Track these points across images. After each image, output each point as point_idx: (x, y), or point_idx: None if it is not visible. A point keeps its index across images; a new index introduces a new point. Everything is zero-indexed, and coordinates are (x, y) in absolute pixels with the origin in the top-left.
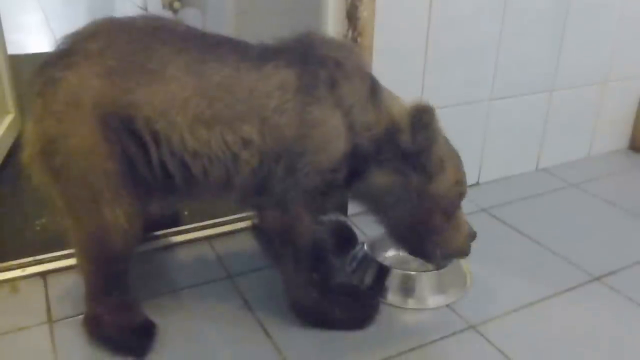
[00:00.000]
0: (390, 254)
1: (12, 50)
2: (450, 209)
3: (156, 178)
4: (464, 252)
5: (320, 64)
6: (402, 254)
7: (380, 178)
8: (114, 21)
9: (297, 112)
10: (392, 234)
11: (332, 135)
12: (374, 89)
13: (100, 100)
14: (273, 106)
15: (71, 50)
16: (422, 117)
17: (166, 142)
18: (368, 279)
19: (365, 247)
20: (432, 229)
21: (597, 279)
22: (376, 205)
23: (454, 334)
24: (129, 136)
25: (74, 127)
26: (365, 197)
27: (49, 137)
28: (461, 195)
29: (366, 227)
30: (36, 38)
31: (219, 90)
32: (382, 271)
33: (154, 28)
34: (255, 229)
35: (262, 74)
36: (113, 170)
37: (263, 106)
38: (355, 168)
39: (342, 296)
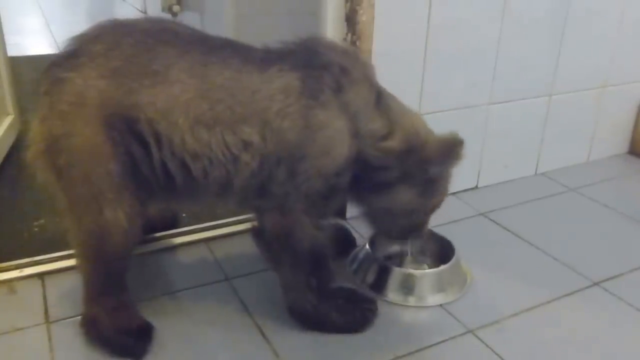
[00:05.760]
0: (392, 252)
1: (12, 52)
2: (434, 211)
3: (158, 179)
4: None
5: (326, 69)
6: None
7: (405, 196)
8: (118, 23)
9: (300, 116)
10: (381, 232)
11: (336, 139)
12: (380, 98)
13: (104, 101)
14: (276, 109)
15: (77, 52)
16: (455, 152)
17: (167, 143)
18: (370, 278)
19: (367, 246)
20: (416, 226)
21: (597, 284)
22: (383, 216)
23: (452, 338)
24: (132, 137)
25: (78, 126)
26: (377, 208)
27: (54, 136)
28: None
29: (365, 230)
30: (36, 41)
31: (221, 92)
32: (384, 270)
33: (158, 30)
34: (254, 232)
35: (265, 77)
36: (115, 170)
37: (265, 109)
38: (359, 174)
39: (340, 300)
